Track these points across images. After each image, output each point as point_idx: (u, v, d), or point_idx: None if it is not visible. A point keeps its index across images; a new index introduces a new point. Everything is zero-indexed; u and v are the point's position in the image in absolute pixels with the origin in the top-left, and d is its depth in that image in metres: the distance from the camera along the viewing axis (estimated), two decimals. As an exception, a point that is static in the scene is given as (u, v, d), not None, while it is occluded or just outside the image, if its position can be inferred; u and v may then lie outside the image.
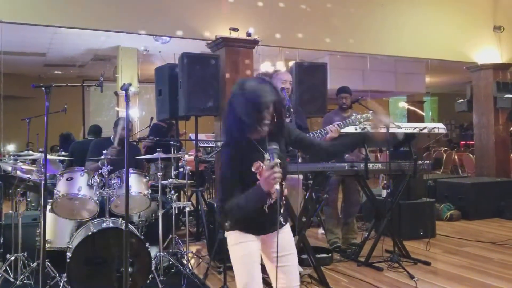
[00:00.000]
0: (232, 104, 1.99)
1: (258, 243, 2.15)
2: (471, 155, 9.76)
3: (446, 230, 5.90)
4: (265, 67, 8.23)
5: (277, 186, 1.82)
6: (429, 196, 5.98)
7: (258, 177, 1.91)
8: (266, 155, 1.86)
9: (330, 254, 4.52)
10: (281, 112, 2.01)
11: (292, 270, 2.21)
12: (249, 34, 5.61)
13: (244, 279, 2.11)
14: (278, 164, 1.81)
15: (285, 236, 2.21)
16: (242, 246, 2.11)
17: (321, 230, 5.59)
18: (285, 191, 2.14)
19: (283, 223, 2.19)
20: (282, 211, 2.09)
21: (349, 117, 3.94)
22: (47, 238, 3.55)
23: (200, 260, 4.66)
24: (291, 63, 5.74)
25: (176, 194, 4.37)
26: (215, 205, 4.41)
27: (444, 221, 6.46)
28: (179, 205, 4.29)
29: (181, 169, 5.88)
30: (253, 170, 1.92)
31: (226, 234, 2.17)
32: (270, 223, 2.09)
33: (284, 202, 2.11)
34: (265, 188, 1.86)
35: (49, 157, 4.07)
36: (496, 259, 4.54)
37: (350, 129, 4.18)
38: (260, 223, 2.11)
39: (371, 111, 3.81)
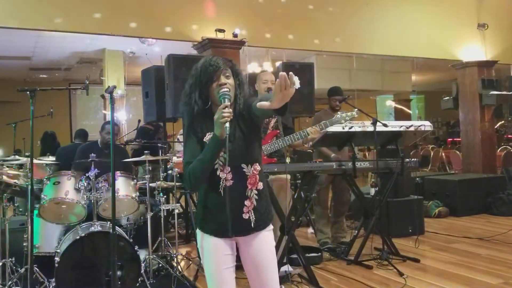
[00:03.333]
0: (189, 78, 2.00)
1: (225, 246, 1.97)
2: (458, 152, 9.87)
3: (434, 227, 5.96)
4: (252, 67, 8.23)
5: (227, 125, 1.75)
6: (417, 193, 6.03)
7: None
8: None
9: (319, 253, 4.53)
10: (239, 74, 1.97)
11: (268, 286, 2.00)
12: (235, 35, 5.62)
13: (211, 286, 1.99)
14: (228, 106, 1.78)
15: (262, 244, 2.00)
16: (204, 251, 2.00)
17: (310, 230, 5.61)
18: (259, 184, 1.98)
19: (253, 226, 1.96)
20: (254, 201, 1.95)
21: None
22: (34, 243, 3.51)
23: (190, 262, 4.65)
24: (278, 63, 5.75)
25: (165, 196, 4.36)
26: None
27: (432, 218, 6.52)
28: (168, 207, 4.27)
29: (169, 171, 5.86)
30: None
31: (196, 231, 2.06)
32: (232, 219, 1.86)
33: (257, 195, 1.97)
34: (217, 132, 1.79)
35: (35, 161, 4.02)
36: (484, 255, 4.59)
37: (336, 128, 4.22)
38: (221, 223, 1.90)
39: (356, 110, 3.84)
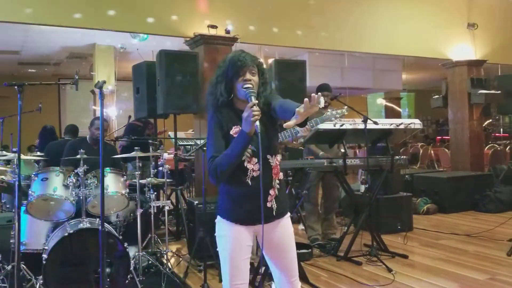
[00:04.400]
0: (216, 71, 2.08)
1: (247, 235, 2.06)
2: (446, 150, 9.97)
3: (422, 223, 6.01)
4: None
5: (257, 123, 1.83)
6: (406, 190, 6.09)
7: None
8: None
9: (310, 250, 4.55)
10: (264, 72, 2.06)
11: (289, 268, 2.14)
12: (227, 31, 5.60)
13: (227, 274, 2.05)
14: (256, 105, 1.85)
15: (283, 230, 2.12)
16: (223, 241, 2.06)
17: (301, 226, 5.63)
18: (280, 175, 2.10)
19: (274, 214, 2.07)
20: (275, 192, 2.05)
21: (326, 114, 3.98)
22: (22, 240, 3.47)
23: (180, 259, 4.64)
24: (270, 60, 5.74)
25: (155, 193, 4.34)
26: (195, 203, 4.39)
27: (421, 214, 6.58)
28: (158, 204, 4.25)
29: (160, 168, 5.84)
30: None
31: (216, 220, 2.12)
32: (258, 209, 1.91)
33: (279, 184, 2.07)
34: (246, 129, 1.86)
35: (23, 157, 3.98)
36: (472, 251, 4.65)
37: (328, 126, 4.23)
38: (247, 211, 2.00)
39: (346, 107, 3.86)
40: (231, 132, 2.00)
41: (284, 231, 2.13)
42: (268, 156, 2.04)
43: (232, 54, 2.05)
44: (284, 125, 1.82)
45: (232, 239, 2.04)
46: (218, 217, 2.10)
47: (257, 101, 1.88)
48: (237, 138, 1.93)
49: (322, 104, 1.72)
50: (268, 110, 2.01)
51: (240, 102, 2.02)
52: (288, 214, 2.17)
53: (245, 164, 2.00)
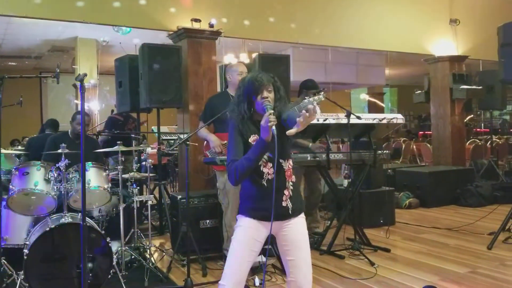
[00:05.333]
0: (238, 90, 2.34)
1: (262, 232, 2.25)
2: (428, 145, 10.09)
3: (405, 217, 6.09)
4: (229, 59, 8.18)
5: (274, 128, 2.05)
6: (388, 185, 6.15)
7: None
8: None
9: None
10: (280, 89, 2.31)
11: (302, 265, 2.27)
12: (211, 25, 5.56)
13: (228, 262, 2.24)
14: (272, 113, 2.09)
15: (298, 227, 2.30)
16: (239, 230, 2.26)
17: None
18: (293, 177, 2.30)
19: (290, 213, 2.26)
20: (290, 192, 2.25)
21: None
22: (2, 235, 3.42)
23: (164, 253, 4.62)
24: (254, 55, 5.72)
25: (138, 188, 4.30)
26: (178, 198, 4.38)
27: (403, 209, 6.67)
28: (141, 199, 4.22)
29: (143, 163, 5.80)
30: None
31: (237, 217, 2.33)
32: (273, 206, 2.12)
33: (292, 185, 2.27)
34: (264, 136, 2.08)
35: (3, 151, 3.91)
36: (452, 245, 4.73)
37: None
38: (264, 209, 2.17)
39: (323, 93, 3.86)
40: (249, 140, 2.26)
41: (299, 230, 2.31)
42: (281, 161, 2.25)
43: (250, 75, 2.31)
44: (287, 132, 2.05)
45: (247, 228, 2.25)
46: (239, 216, 2.31)
47: (272, 111, 2.11)
48: (256, 144, 2.16)
49: (319, 114, 1.96)
50: (280, 121, 2.24)
51: (259, 115, 2.25)
52: (303, 214, 2.36)
53: (262, 168, 2.23)
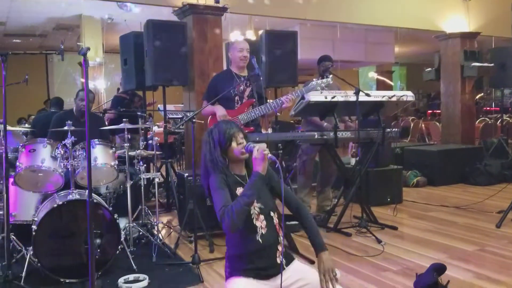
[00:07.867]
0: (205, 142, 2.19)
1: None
2: (437, 124, 10.00)
3: (412, 196, 6.06)
4: (235, 36, 8.07)
5: (267, 152, 1.99)
6: (396, 163, 6.10)
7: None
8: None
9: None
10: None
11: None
12: (217, 1, 5.46)
13: None
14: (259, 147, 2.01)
15: (298, 267, 2.16)
16: None
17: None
18: (281, 232, 2.15)
19: (285, 267, 2.10)
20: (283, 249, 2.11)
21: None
22: (11, 212, 3.44)
23: (171, 230, 4.65)
24: (260, 32, 5.62)
25: (145, 165, 4.30)
26: (185, 176, 4.37)
27: (410, 187, 6.63)
28: (148, 176, 4.23)
29: (150, 141, 5.79)
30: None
31: (229, 282, 2.09)
32: (271, 266, 2.04)
33: (281, 239, 2.12)
34: (259, 168, 1.99)
35: (9, 128, 3.90)
36: (461, 223, 4.70)
37: (319, 98, 4.18)
38: (260, 268, 2.05)
39: (331, 76, 3.82)
40: (236, 192, 2.09)
41: (296, 267, 2.15)
42: (271, 213, 2.13)
43: (220, 126, 2.16)
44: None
45: (246, 285, 2.05)
46: (230, 279, 2.08)
47: (259, 145, 2.02)
48: (251, 179, 2.00)
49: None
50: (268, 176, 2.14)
51: (235, 166, 2.16)
52: (296, 259, 2.21)
53: (254, 222, 2.07)
